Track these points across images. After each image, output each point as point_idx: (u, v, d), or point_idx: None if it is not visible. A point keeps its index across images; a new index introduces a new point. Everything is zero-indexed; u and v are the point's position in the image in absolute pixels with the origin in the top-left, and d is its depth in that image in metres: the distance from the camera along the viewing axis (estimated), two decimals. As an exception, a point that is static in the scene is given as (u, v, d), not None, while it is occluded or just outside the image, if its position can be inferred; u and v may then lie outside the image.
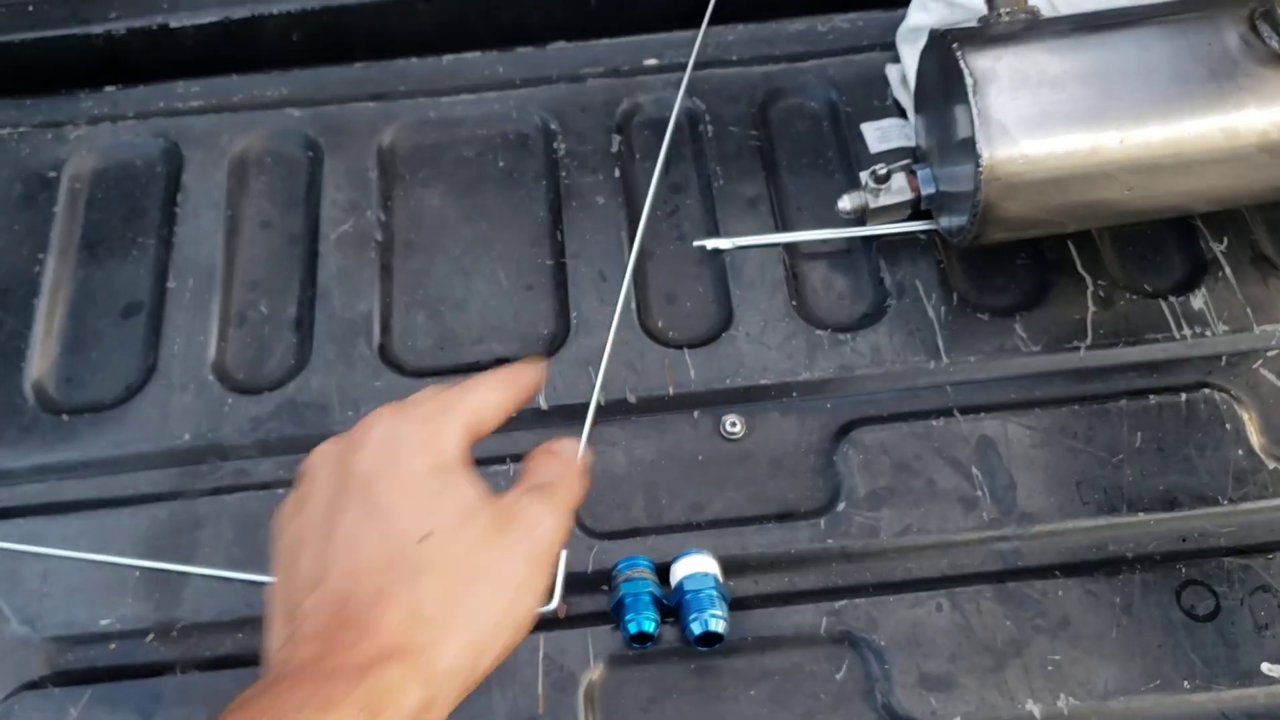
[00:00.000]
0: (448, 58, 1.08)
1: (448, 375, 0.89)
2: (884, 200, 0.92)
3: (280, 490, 0.85)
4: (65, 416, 0.88)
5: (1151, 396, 0.87)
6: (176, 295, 0.94)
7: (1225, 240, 0.93)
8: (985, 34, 0.85)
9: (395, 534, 0.50)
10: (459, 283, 0.95)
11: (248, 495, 0.85)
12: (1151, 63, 0.83)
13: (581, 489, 0.60)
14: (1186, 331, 0.89)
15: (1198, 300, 0.91)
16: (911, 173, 0.92)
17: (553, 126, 1.03)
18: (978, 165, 0.82)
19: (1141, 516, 0.82)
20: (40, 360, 0.91)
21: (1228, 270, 0.92)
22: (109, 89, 1.06)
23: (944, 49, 0.85)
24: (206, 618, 0.80)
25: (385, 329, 0.92)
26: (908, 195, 0.92)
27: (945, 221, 0.92)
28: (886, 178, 0.91)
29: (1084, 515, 0.82)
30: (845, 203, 0.93)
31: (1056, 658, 0.78)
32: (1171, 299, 0.91)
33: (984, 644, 0.78)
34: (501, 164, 1.02)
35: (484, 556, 0.52)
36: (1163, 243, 0.94)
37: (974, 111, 0.82)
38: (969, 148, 0.83)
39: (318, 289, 0.94)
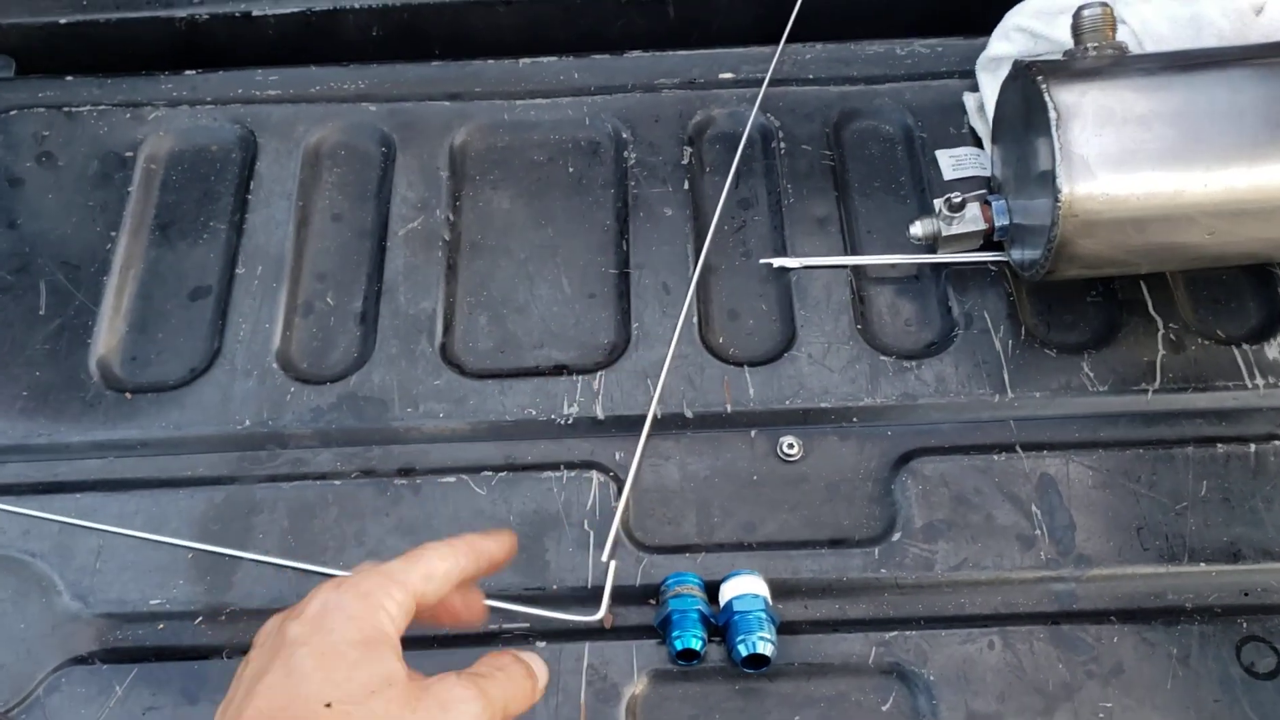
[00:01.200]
0: (524, 61, 1.08)
1: (506, 379, 0.89)
2: (957, 229, 0.91)
3: (337, 482, 0.85)
4: (128, 395, 0.89)
5: (1219, 445, 0.85)
6: (244, 281, 0.95)
7: (1304, 289, 0.92)
8: (1071, 68, 0.84)
9: (303, 699, 0.53)
10: (522, 287, 0.95)
11: (304, 484, 0.85)
12: (1241, 105, 0.81)
13: (526, 698, 0.60)
14: (1260, 381, 0.87)
15: (1273, 350, 0.89)
16: (986, 203, 0.91)
17: (624, 135, 1.03)
18: (1056, 200, 0.81)
19: (1203, 567, 0.81)
20: (107, 338, 0.92)
21: (1305, 320, 0.90)
22: (189, 73, 1.07)
23: (1028, 81, 0.84)
24: (256, 604, 0.81)
25: (447, 328, 0.93)
26: (981, 225, 0.91)
27: (1017, 254, 0.91)
28: (961, 206, 0.90)
29: (1144, 562, 0.81)
30: (917, 229, 0.92)
31: (1109, 705, 0.76)
32: (1245, 347, 0.89)
33: (1034, 685, 0.77)
34: (571, 170, 1.02)
35: None
36: (1239, 289, 0.93)
37: (1056, 145, 0.80)
38: (1048, 181, 0.82)
39: (384, 284, 0.94)
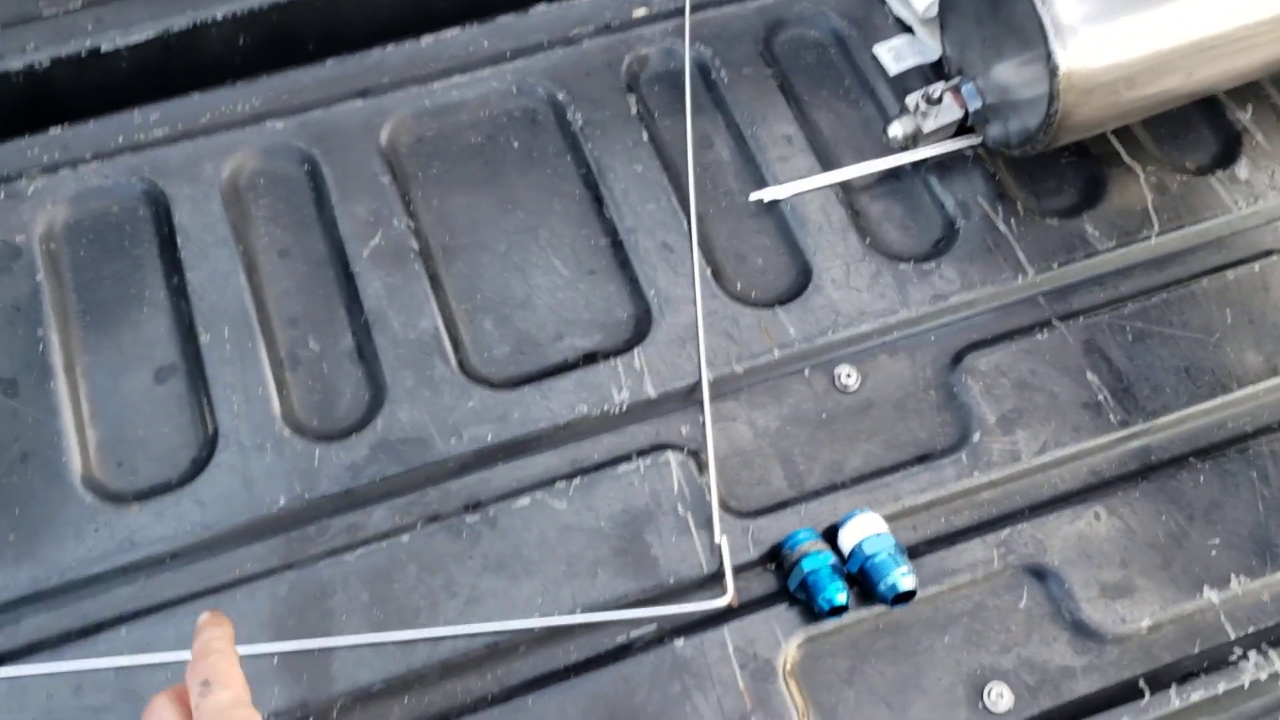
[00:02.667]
0: (426, 39, 0.99)
1: (541, 381, 0.84)
2: (935, 122, 0.91)
3: (404, 538, 0.79)
4: (135, 507, 0.79)
5: (1229, 272, 0.89)
6: (213, 348, 0.85)
7: (1250, 108, 0.96)
8: (1026, -61, 0.84)
9: None
10: (516, 280, 0.89)
11: (369, 550, 0.78)
12: (1198, -55, 0.83)
13: None
14: (1241, 203, 0.92)
15: (1242, 170, 0.93)
16: (956, 89, 0.91)
17: (560, 97, 0.97)
18: (1054, 74, 0.81)
19: (1251, 389, 0.85)
20: (81, 450, 0.81)
21: (1259, 137, 0.95)
22: (54, 130, 0.94)
23: (993, -40, 0.83)
24: (366, 686, 0.74)
25: (456, 343, 0.86)
26: (957, 113, 0.91)
27: (996, 132, 0.91)
28: (939, 100, 0.90)
29: (1200, 399, 0.85)
30: (897, 129, 0.91)
31: (1216, 541, 0.80)
32: (1219, 173, 0.93)
33: (1148, 543, 0.80)
34: (516, 145, 0.95)
35: None
36: (1190, 120, 0.97)
37: (1045, 20, 0.81)
38: (1029, 56, 0.83)
39: (368, 314, 0.86)
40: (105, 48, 0.97)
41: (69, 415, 0.82)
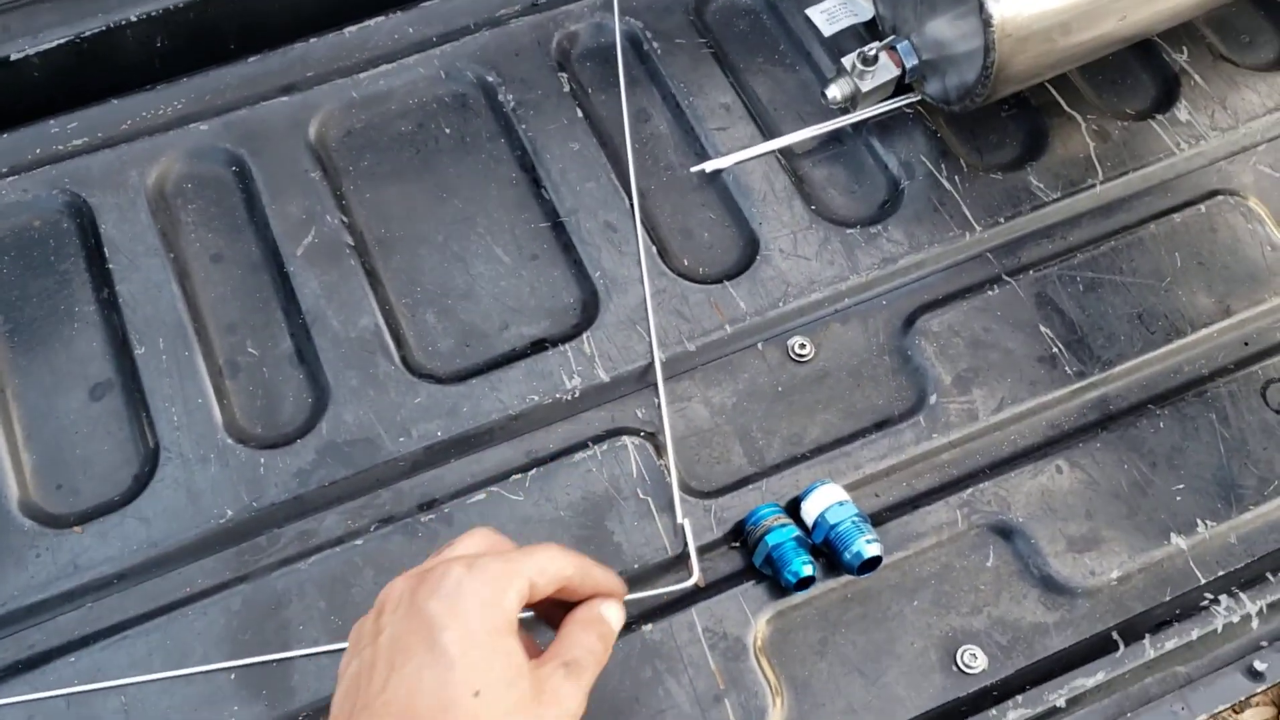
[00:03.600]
0: (349, 30, 0.97)
1: (490, 373, 0.82)
2: (872, 82, 0.89)
3: (359, 541, 0.76)
4: (77, 529, 0.76)
5: (1175, 216, 0.89)
6: (149, 361, 0.82)
7: (1185, 50, 0.96)
8: (952, -110, 0.83)
9: (453, 684, 0.55)
10: (456, 270, 0.87)
11: (323, 556, 0.76)
12: (1125, -113, 0.82)
13: (605, 659, 0.62)
14: (1184, 146, 0.91)
15: (1182, 112, 0.93)
16: (891, 48, 0.90)
17: (490, 79, 0.94)
18: (989, 25, 0.80)
19: (1204, 332, 0.85)
20: (17, 475, 0.78)
21: (1197, 78, 0.94)
22: (-34, 146, 0.91)
23: (920, -87, 0.82)
24: (329, 697, 0.72)
25: (399, 339, 0.84)
26: (894, 72, 0.90)
27: (934, 88, 0.90)
28: (875, 59, 0.88)
29: (1155, 345, 0.84)
30: (835, 91, 0.90)
31: (1180, 487, 0.80)
32: (1159, 117, 0.93)
33: (1112, 493, 0.79)
34: (448, 131, 0.93)
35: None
36: (1127, 65, 0.96)
37: (977, -28, 0.79)
38: (961, 10, 0.82)
39: (305, 315, 0.84)
40: (14, 56, 0.93)
41: (2, 440, 0.79)
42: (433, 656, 0.55)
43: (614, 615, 0.63)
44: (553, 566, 0.61)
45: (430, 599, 0.57)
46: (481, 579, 0.58)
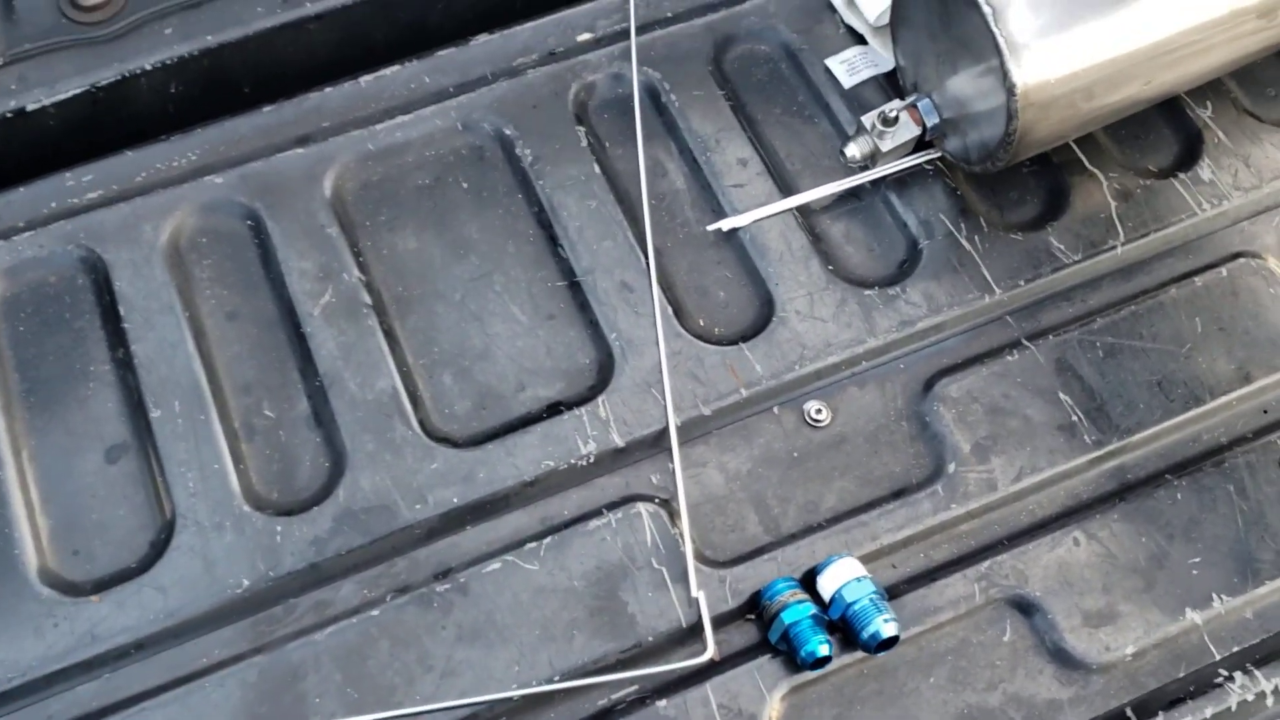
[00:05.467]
0: (365, 79, 0.96)
1: (505, 437, 0.82)
2: (893, 141, 0.89)
3: (375, 611, 0.77)
4: (94, 598, 0.76)
5: (1197, 279, 0.88)
6: (164, 423, 0.82)
7: (1209, 105, 0.95)
8: (975, -48, 0.82)
9: None
10: (473, 330, 0.86)
11: (339, 627, 0.76)
12: (1150, -49, 0.81)
13: None
14: (1206, 206, 0.90)
15: (1205, 171, 0.92)
16: (913, 106, 0.89)
17: (507, 132, 0.94)
18: (1012, 94, 0.79)
19: (1224, 399, 0.84)
20: (34, 540, 0.78)
21: (1220, 134, 0.93)
22: (-19, 200, 0.90)
23: (943, -23, 0.81)
24: (345, 773, 0.73)
25: (416, 402, 0.84)
26: (915, 130, 0.89)
27: (954, 145, 0.89)
28: (896, 120, 0.88)
29: (1173, 413, 0.84)
30: (853, 150, 0.89)
31: (1197, 559, 0.79)
32: (1182, 175, 0.92)
33: (1129, 567, 0.79)
34: (465, 185, 0.93)
35: None
36: (1150, 121, 0.95)
37: (999, 40, 0.79)
38: (985, 70, 0.81)
39: (322, 375, 0.84)
40: (30, 106, 0.93)
41: (19, 503, 0.79)
42: None
43: None
44: None
45: None
46: None
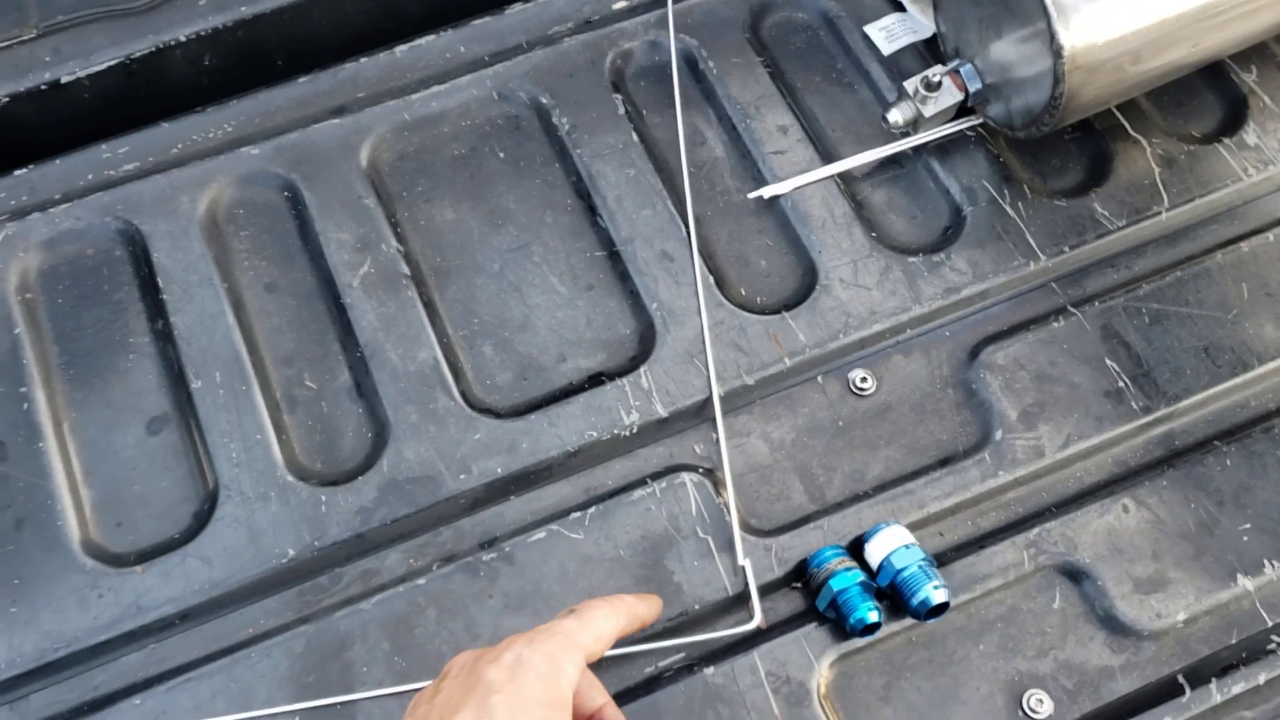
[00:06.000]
0: (400, 49, 0.95)
1: (548, 407, 0.81)
2: (935, 106, 0.88)
3: (421, 580, 0.76)
4: (139, 569, 0.76)
5: (1243, 244, 0.87)
6: (205, 395, 0.82)
7: (1254, 70, 0.94)
8: (1021, -86, 0.81)
9: None
10: (513, 301, 0.86)
11: (386, 597, 0.76)
12: (1199, -89, 0.80)
13: None
14: (1252, 171, 0.89)
15: (1250, 136, 0.91)
16: (955, 71, 0.88)
17: (544, 100, 0.93)
18: (1059, 57, 0.78)
19: (1272, 365, 0.83)
20: (77, 512, 0.78)
21: (1266, 99, 0.92)
22: (19, 172, 0.90)
23: (989, -61, 0.80)
24: (393, 742, 0.72)
25: (457, 373, 0.83)
26: (957, 96, 0.88)
27: (998, 111, 0.88)
28: (939, 85, 0.87)
29: (1222, 379, 0.83)
30: (896, 115, 0.88)
31: (1247, 525, 0.79)
32: (1226, 141, 0.91)
33: (1179, 533, 0.78)
34: (502, 155, 0.92)
35: None
36: (1193, 86, 0.94)
37: (1047, 3, 0.77)
38: (1030, 35, 0.80)
39: (363, 346, 0.83)
40: (65, 79, 0.93)
41: (61, 476, 0.79)
42: (478, 715, 0.57)
43: None
44: (608, 628, 0.65)
45: (489, 667, 0.60)
46: (541, 653, 0.60)
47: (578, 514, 0.78)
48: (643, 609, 0.69)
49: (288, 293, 0.87)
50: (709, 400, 0.81)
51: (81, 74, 0.93)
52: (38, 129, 0.93)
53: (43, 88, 0.92)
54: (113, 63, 0.93)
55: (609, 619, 0.65)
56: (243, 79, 0.95)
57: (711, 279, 0.86)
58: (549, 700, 0.59)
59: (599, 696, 0.67)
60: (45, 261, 0.87)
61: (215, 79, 0.96)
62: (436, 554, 0.77)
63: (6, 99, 0.92)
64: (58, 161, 0.90)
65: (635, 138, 0.92)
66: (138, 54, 0.94)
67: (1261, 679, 0.74)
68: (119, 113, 0.93)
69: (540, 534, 0.78)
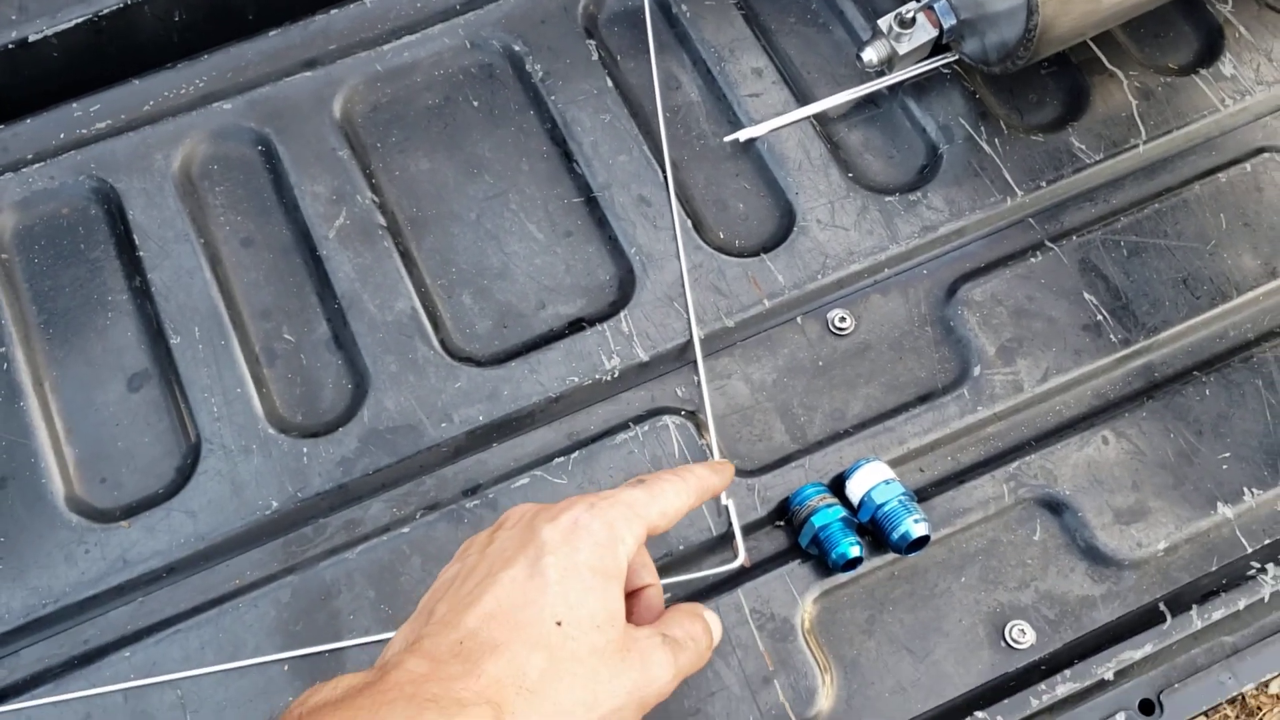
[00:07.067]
0: (370, -1, 0.95)
1: (528, 354, 0.81)
2: (910, 44, 0.87)
3: (405, 529, 0.77)
4: (125, 524, 0.76)
5: (1221, 175, 0.87)
6: (185, 350, 0.82)
7: (1229, 0, 0.93)
8: None
9: (538, 605, 0.55)
10: (490, 249, 0.86)
11: (371, 546, 0.76)
12: None
13: (701, 663, 0.62)
14: (1229, 102, 0.89)
15: (1226, 66, 0.91)
16: (929, 8, 0.87)
17: (517, 48, 0.93)
18: (1032, -12, 0.78)
19: (1250, 295, 0.84)
20: (60, 469, 0.78)
21: (1241, 29, 0.92)
22: (-10, 132, 0.89)
23: None
24: (382, 689, 0.73)
25: (436, 322, 0.83)
26: (931, 33, 0.88)
27: (972, 48, 0.88)
28: (913, 21, 0.86)
29: (1200, 310, 0.83)
30: (871, 54, 0.88)
31: (1226, 454, 0.79)
32: (1203, 71, 0.90)
33: (1158, 463, 0.79)
34: (476, 104, 0.91)
35: (598, 665, 0.55)
36: (1169, 17, 0.93)
37: (1019, -68, 0.77)
38: (1004, -30, 0.79)
39: (340, 299, 0.83)
40: (33, 37, 0.92)
41: (44, 434, 0.79)
42: (529, 573, 0.56)
43: (717, 624, 0.64)
44: (675, 504, 0.62)
45: (546, 526, 0.58)
46: (601, 520, 0.58)
47: (561, 459, 0.78)
48: (715, 481, 0.66)
49: (264, 246, 0.86)
50: (689, 343, 0.81)
51: (49, 32, 0.92)
52: (7, 88, 0.92)
53: (10, 46, 0.91)
54: (80, 20, 0.92)
55: (679, 495, 0.62)
56: (213, 34, 0.94)
57: (689, 223, 0.86)
58: (603, 569, 0.57)
59: (648, 576, 0.65)
60: (20, 221, 0.86)
61: (185, 34, 0.95)
62: (420, 502, 0.78)
63: (-26, 59, 0.91)
64: (29, 121, 0.90)
65: (610, 83, 0.91)
66: (106, 10, 0.93)
67: (1241, 604, 0.75)
68: (89, 71, 0.93)
69: (524, 479, 0.78)
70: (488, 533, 0.61)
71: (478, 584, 0.57)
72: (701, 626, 0.62)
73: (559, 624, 0.55)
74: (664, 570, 0.75)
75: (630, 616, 0.61)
